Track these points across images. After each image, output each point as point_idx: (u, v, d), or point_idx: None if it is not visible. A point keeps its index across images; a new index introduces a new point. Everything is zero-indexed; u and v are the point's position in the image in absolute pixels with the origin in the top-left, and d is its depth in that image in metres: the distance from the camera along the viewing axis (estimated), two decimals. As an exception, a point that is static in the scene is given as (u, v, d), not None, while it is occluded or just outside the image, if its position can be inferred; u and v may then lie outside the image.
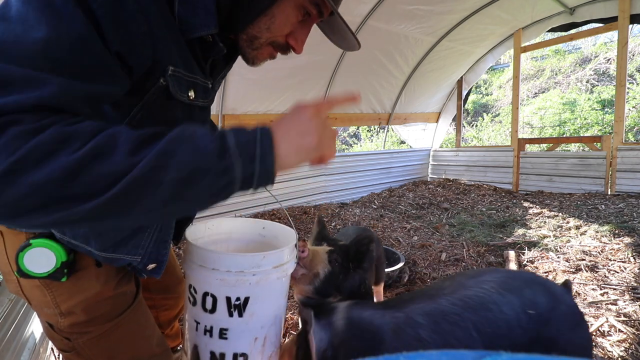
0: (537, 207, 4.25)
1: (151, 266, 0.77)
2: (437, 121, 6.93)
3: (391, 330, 0.91)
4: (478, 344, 0.87)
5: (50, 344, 1.56)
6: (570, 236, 3.06)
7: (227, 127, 0.54)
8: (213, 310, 0.87)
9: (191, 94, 0.68)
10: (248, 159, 0.47)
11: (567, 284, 1.06)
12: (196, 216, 1.03)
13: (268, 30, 0.68)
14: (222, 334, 0.88)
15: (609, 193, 4.49)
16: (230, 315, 0.86)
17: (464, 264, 2.77)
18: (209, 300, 0.86)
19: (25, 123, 0.41)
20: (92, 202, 0.41)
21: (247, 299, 0.86)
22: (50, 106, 0.44)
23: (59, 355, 1.63)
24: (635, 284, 2.12)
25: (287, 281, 0.96)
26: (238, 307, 0.86)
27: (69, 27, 0.46)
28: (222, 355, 0.89)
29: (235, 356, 0.89)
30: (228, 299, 0.86)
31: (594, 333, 1.72)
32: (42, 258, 0.64)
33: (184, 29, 0.62)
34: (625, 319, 1.79)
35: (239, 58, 0.80)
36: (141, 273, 0.78)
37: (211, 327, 0.88)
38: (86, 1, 0.48)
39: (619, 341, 1.65)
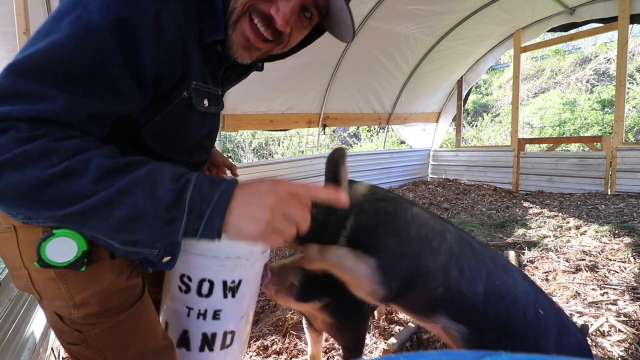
0: (537, 207, 4.25)
1: (166, 259, 0.81)
2: (437, 121, 6.93)
3: (414, 214, 1.00)
4: (481, 282, 0.93)
5: (50, 344, 1.56)
6: (570, 236, 3.06)
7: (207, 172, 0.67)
8: (209, 294, 0.93)
9: (205, 102, 0.73)
10: (195, 217, 0.50)
11: (583, 329, 1.08)
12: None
13: (236, 2, 0.65)
14: (216, 315, 0.95)
15: (609, 193, 4.49)
16: (225, 297, 0.94)
17: (464, 264, 2.77)
18: (206, 285, 0.93)
19: (22, 131, 0.47)
20: (52, 211, 0.48)
21: (240, 281, 0.95)
22: (48, 119, 0.49)
23: (58, 355, 1.63)
24: (635, 284, 2.12)
25: (263, 264, 1.06)
26: (232, 289, 0.95)
27: (94, 53, 0.52)
28: (214, 335, 0.95)
29: (225, 334, 0.97)
30: (224, 283, 0.93)
31: (594, 333, 1.72)
32: (64, 247, 0.66)
33: (199, 38, 0.66)
34: (625, 319, 1.79)
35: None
36: (156, 266, 0.81)
37: (205, 311, 0.94)
38: (130, 27, 0.53)
39: (619, 341, 1.65)
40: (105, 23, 0.52)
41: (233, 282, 0.94)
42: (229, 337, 0.98)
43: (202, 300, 0.93)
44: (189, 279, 0.93)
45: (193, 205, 0.49)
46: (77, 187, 0.47)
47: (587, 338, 1.09)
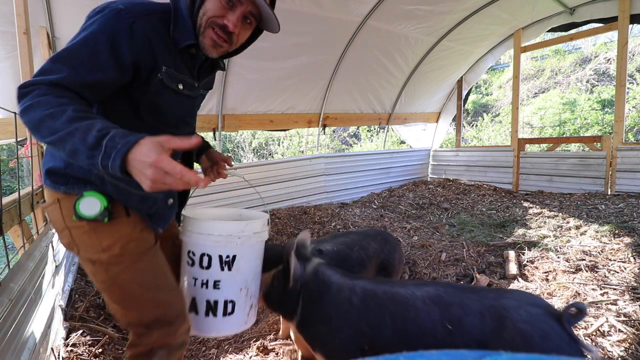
0: (537, 207, 4.25)
1: (162, 227, 1.13)
2: (437, 121, 6.93)
3: (336, 288, 1.23)
4: (388, 328, 1.12)
5: (50, 344, 1.56)
6: (570, 236, 3.06)
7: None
8: (209, 267, 1.14)
9: (180, 86, 1.05)
10: (106, 156, 0.71)
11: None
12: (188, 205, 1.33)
13: (205, 15, 0.99)
14: (216, 285, 1.14)
15: (609, 193, 4.49)
16: (222, 269, 1.14)
17: (464, 264, 2.77)
18: (205, 259, 1.14)
19: (41, 90, 0.79)
20: (44, 138, 0.77)
21: (234, 257, 1.15)
22: (58, 84, 0.81)
23: (58, 355, 1.63)
24: (635, 284, 2.12)
25: (262, 246, 1.26)
26: (228, 263, 1.14)
27: (93, 46, 0.87)
28: (216, 302, 1.15)
29: (225, 302, 1.16)
30: (220, 257, 1.13)
31: (594, 333, 1.72)
32: (91, 204, 0.95)
33: (176, 44, 1.00)
34: (625, 319, 1.79)
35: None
36: (156, 225, 1.10)
37: (207, 280, 1.14)
38: (115, 31, 0.89)
39: (619, 341, 1.65)
40: (100, 30, 0.88)
41: (227, 256, 1.14)
42: (229, 305, 1.16)
43: (203, 271, 1.14)
44: (193, 254, 1.16)
45: (106, 149, 0.71)
46: (54, 124, 0.75)
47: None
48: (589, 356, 1.57)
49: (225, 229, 1.12)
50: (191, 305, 1.16)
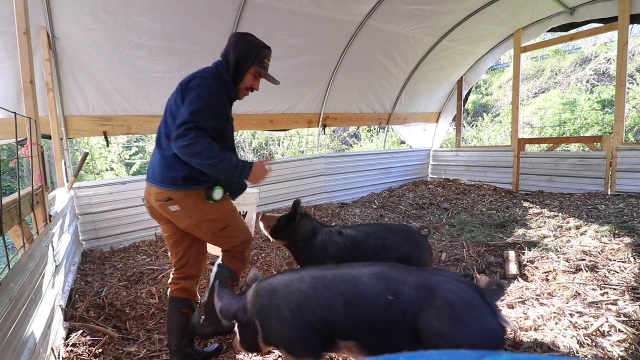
0: (537, 207, 4.25)
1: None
2: (437, 121, 6.93)
3: (283, 286, 1.36)
4: (339, 304, 1.25)
5: (50, 344, 1.56)
6: (570, 236, 3.06)
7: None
8: (243, 217, 2.36)
9: (230, 119, 1.76)
10: (240, 172, 1.55)
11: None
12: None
13: (243, 84, 1.76)
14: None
15: (609, 193, 4.49)
16: (244, 217, 2.40)
17: (464, 263, 2.77)
18: (242, 213, 2.32)
19: (197, 130, 1.47)
20: (204, 161, 1.46)
21: (246, 213, 2.46)
22: (202, 128, 1.48)
23: (58, 355, 1.63)
24: (635, 284, 2.12)
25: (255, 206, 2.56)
26: (243, 215, 2.37)
27: (215, 105, 1.60)
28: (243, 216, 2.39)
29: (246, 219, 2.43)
30: (240, 213, 1.98)
31: (594, 333, 1.72)
32: (218, 192, 1.65)
33: (227, 94, 1.72)
34: (625, 319, 1.79)
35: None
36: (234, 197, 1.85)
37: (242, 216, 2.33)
38: (217, 95, 1.62)
39: (619, 341, 1.65)
40: (207, 84, 1.59)
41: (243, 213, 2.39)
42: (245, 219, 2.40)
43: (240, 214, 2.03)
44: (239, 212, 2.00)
45: (239, 169, 1.53)
46: (212, 154, 1.44)
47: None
48: (589, 356, 1.57)
49: (241, 201, 2.22)
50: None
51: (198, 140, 1.41)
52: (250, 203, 2.41)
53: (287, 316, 1.29)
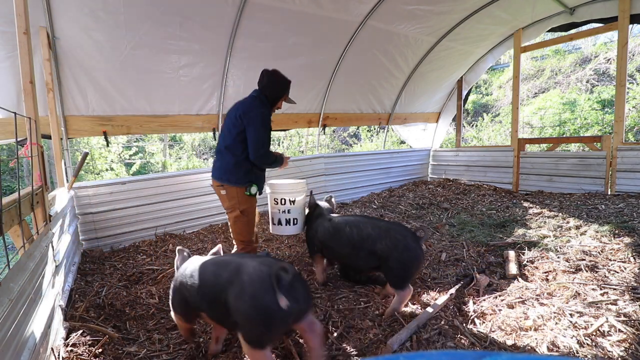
0: (537, 207, 4.25)
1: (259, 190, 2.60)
2: (437, 121, 6.93)
3: (182, 268, 1.73)
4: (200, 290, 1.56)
5: (50, 344, 1.57)
6: (570, 236, 3.06)
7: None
8: (283, 204, 2.69)
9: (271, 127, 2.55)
10: (278, 163, 2.57)
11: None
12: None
13: (276, 107, 2.60)
14: (289, 211, 2.70)
15: (609, 193, 4.49)
16: (292, 204, 2.69)
17: (464, 264, 2.77)
18: (282, 201, 2.68)
19: (268, 150, 2.45)
20: (273, 165, 2.54)
21: (294, 200, 2.68)
22: (269, 145, 2.46)
23: (58, 355, 1.63)
24: (635, 284, 2.12)
25: (305, 195, 2.80)
26: (292, 201, 2.68)
27: (266, 129, 2.45)
28: (287, 219, 2.70)
29: (291, 219, 2.70)
30: (289, 199, 2.68)
31: (594, 333, 1.72)
32: (254, 188, 2.45)
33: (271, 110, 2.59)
34: (625, 319, 1.79)
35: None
36: (260, 193, 2.58)
37: (285, 210, 2.69)
38: (266, 113, 2.48)
39: (619, 341, 1.65)
40: (262, 113, 2.41)
41: (291, 200, 2.67)
42: (292, 221, 2.70)
43: (281, 206, 2.68)
44: (277, 199, 2.68)
45: (278, 161, 2.56)
46: (275, 160, 2.51)
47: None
48: (589, 356, 1.57)
49: (288, 189, 2.66)
50: (273, 220, 2.75)
51: (269, 155, 2.42)
52: (300, 190, 2.71)
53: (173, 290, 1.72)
